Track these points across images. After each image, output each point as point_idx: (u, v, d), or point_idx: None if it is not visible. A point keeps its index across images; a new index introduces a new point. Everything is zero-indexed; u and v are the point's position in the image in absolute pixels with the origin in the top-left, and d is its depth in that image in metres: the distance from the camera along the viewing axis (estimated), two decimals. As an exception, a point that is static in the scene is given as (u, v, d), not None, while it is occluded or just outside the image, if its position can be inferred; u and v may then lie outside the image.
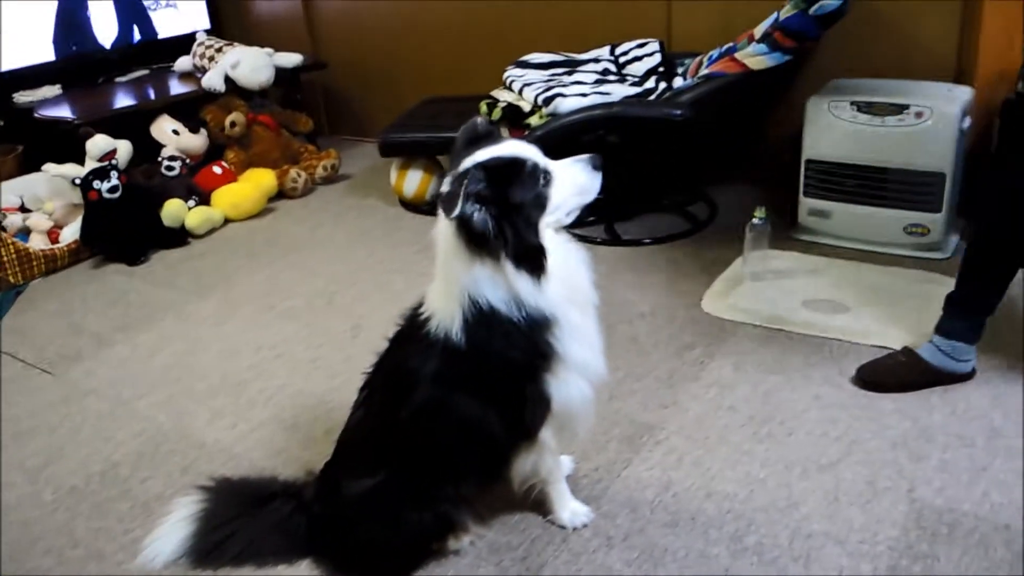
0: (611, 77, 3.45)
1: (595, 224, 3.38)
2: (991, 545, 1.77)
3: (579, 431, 1.85)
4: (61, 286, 3.39)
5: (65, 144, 3.68)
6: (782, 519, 1.89)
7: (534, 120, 3.24)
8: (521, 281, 1.60)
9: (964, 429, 2.12)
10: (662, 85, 3.31)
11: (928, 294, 2.71)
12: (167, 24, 4.61)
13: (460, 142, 1.68)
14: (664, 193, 3.68)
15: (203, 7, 4.71)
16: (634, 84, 3.36)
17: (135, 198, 3.49)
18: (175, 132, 3.90)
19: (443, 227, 1.63)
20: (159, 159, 3.77)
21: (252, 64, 4.05)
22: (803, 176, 3.11)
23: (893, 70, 3.19)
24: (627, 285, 2.97)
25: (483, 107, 3.31)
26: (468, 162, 1.59)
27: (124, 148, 3.62)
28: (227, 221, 3.82)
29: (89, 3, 4.30)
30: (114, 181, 3.40)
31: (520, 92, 3.34)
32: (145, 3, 4.51)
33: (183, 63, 4.37)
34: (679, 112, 2.92)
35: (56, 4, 4.18)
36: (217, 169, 3.92)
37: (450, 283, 1.65)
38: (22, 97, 4.06)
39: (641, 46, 3.57)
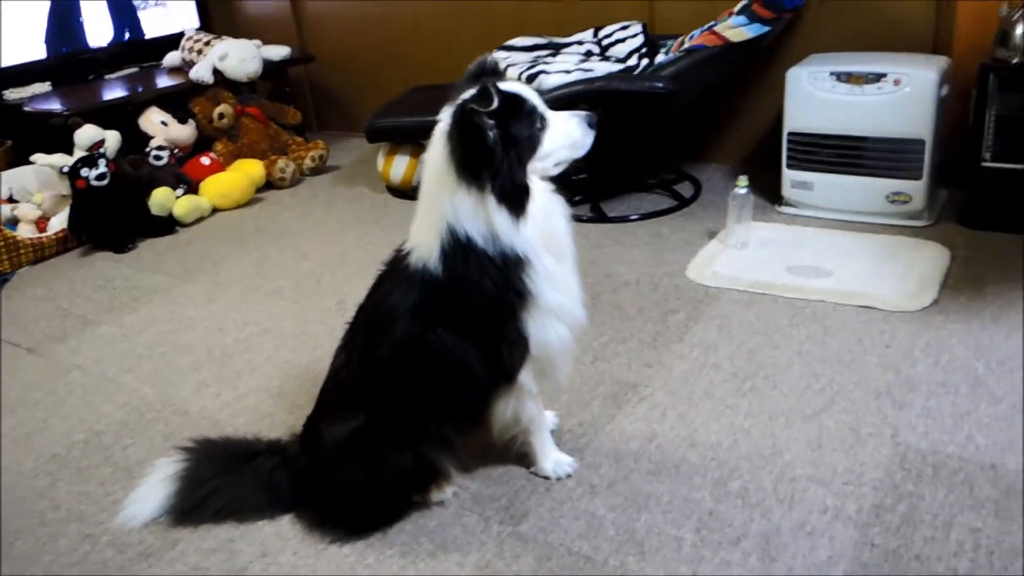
0: (594, 57, 3.48)
1: (582, 204, 3.39)
2: (976, 484, 1.76)
3: (560, 377, 1.84)
4: (48, 273, 3.39)
5: (54, 138, 3.69)
6: (766, 465, 1.89)
7: (518, 100, 3.25)
8: (500, 217, 1.61)
9: (947, 378, 2.12)
10: (644, 62, 3.33)
11: (912, 258, 2.74)
12: (156, 23, 4.64)
13: (468, 74, 1.70)
14: (649, 172, 3.69)
15: (192, 6, 4.74)
16: (617, 62, 3.38)
17: (123, 186, 3.50)
18: (163, 123, 3.92)
19: (435, 152, 1.64)
20: (147, 149, 3.78)
21: (240, 55, 4.08)
22: (785, 149, 3.13)
23: (871, 44, 3.22)
24: (612, 258, 2.98)
25: (468, 88, 3.33)
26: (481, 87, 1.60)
27: (113, 138, 3.64)
28: (215, 211, 3.83)
29: (81, 4, 4.33)
30: (102, 169, 3.41)
31: (505, 72, 3.36)
32: (135, 3, 4.54)
33: (171, 58, 4.40)
34: (661, 85, 2.94)
35: (49, 4, 4.21)
36: (205, 160, 3.94)
37: (432, 213, 1.67)
38: (12, 94, 4.08)
39: (624, 28, 3.59)
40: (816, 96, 2.99)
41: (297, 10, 4.74)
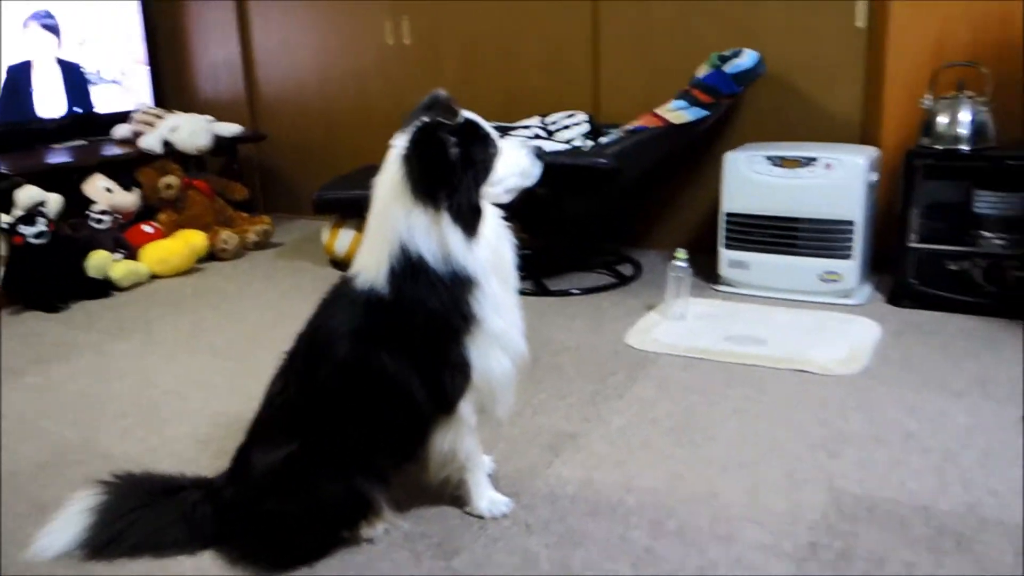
0: (541, 139, 3.59)
1: (524, 279, 3.41)
2: (910, 523, 1.77)
3: (500, 411, 1.83)
4: (-26, 329, 3.29)
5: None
6: (702, 507, 1.87)
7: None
8: (454, 236, 1.64)
9: (879, 432, 2.16)
10: (589, 142, 3.45)
11: (844, 330, 2.81)
12: (110, 100, 4.68)
13: (420, 106, 1.75)
14: (591, 253, 3.77)
15: (147, 83, 4.80)
16: (564, 144, 3.49)
17: (61, 247, 3.45)
18: (108, 190, 3.89)
19: (389, 174, 1.68)
20: (87, 212, 3.75)
21: (191, 128, 4.12)
22: (722, 229, 3.23)
23: (804, 133, 3.40)
24: (553, 327, 3.00)
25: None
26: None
27: (55, 200, 3.59)
28: (154, 277, 3.77)
29: (32, 76, 4.37)
30: (41, 227, 3.36)
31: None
32: (88, 77, 4.59)
33: (121, 129, 4.41)
34: (605, 161, 3.04)
35: (4, 74, 4.25)
36: (147, 228, 3.91)
37: (382, 234, 1.69)
38: (-47, 159, 4.04)
39: (570, 116, 3.73)
40: (752, 179, 3.12)
41: (251, 91, 4.83)
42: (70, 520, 1.82)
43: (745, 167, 3.13)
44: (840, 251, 3.02)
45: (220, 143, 4.34)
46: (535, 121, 3.77)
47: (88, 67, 4.59)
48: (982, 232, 2.91)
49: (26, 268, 3.38)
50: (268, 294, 3.57)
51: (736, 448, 2.12)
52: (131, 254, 3.74)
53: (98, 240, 3.63)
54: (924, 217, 2.97)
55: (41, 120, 4.43)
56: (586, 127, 3.65)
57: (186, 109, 4.56)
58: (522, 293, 3.19)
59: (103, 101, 4.65)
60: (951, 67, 2.99)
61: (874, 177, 3.07)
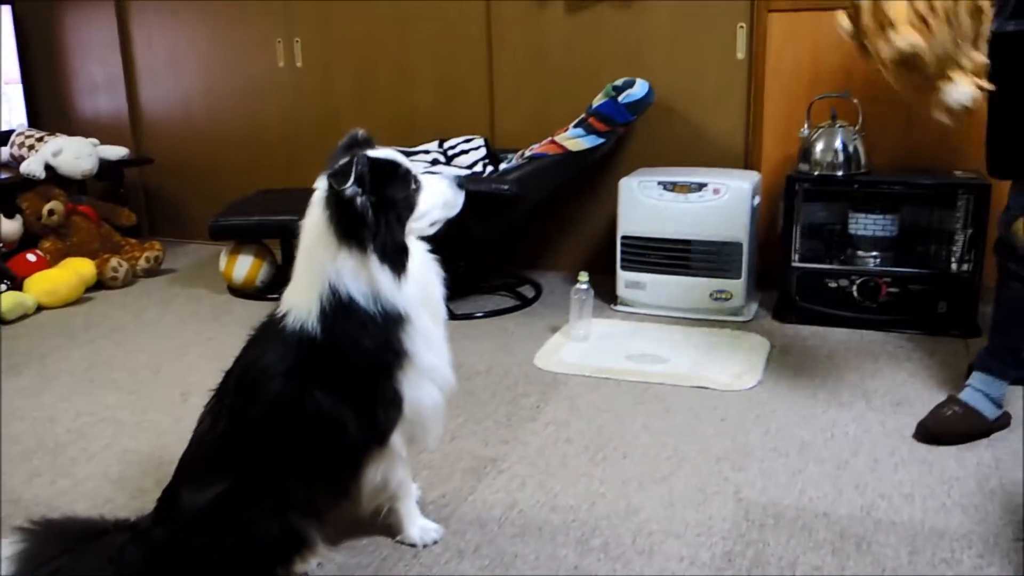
0: (440, 165, 3.65)
1: (428, 302, 3.47)
2: (813, 529, 1.92)
3: (430, 441, 1.88)
4: None
5: None
6: (624, 523, 1.98)
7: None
8: (383, 275, 1.68)
9: (777, 444, 2.32)
10: (489, 169, 3.54)
11: (736, 346, 2.99)
12: (-22, 121, 4.46)
13: (340, 146, 1.78)
14: (492, 276, 3.85)
15: (20, 101, 4.59)
16: (463, 169, 3.56)
17: (-62, 278, 3.28)
18: (-13, 217, 3.73)
19: (313, 217, 1.70)
20: (-33, 242, 3.58)
21: (76, 152, 3.97)
22: (619, 251, 3.38)
23: (692, 159, 3.58)
24: (462, 351, 3.06)
25: (318, 186, 3.40)
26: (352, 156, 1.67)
27: (-72, 229, 3.42)
28: (40, 308, 3.62)
29: None
30: (-85, 258, 3.19)
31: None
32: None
33: (-2, 153, 4.23)
34: (507, 187, 3.13)
35: None
36: (31, 257, 3.75)
37: (311, 274, 1.71)
38: None
39: (467, 141, 3.80)
40: (646, 203, 3.28)
41: (134, 112, 4.69)
42: (-13, 571, 1.77)
43: (639, 192, 3.28)
44: (729, 271, 3.21)
45: (104, 167, 4.20)
46: (434, 146, 3.83)
47: (-44, 86, 4.37)
48: (857, 251, 3.16)
49: (-100, 302, 3.19)
50: (165, 322, 3.48)
51: (649, 464, 2.24)
52: (15, 285, 3.59)
53: (-21, 271, 3.47)
54: (804, 237, 3.20)
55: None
56: (484, 151, 3.74)
57: (63, 130, 4.39)
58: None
59: (-27, 122, 4.44)
60: (825, 98, 3.23)
61: (757, 200, 3.27)
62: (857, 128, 3.15)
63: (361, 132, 1.83)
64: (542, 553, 1.87)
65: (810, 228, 3.21)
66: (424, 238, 1.86)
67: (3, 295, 3.47)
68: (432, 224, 1.81)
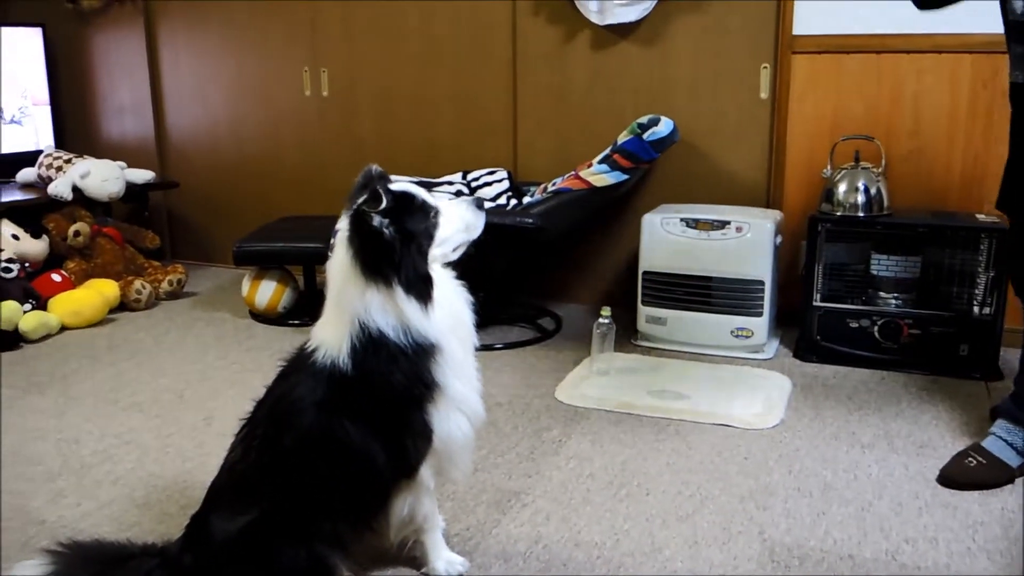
0: (464, 196, 3.69)
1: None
2: (839, 571, 1.92)
3: (458, 474, 1.89)
4: None
5: None
6: (648, 561, 1.98)
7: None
8: (410, 307, 1.70)
9: (801, 484, 2.32)
10: (513, 202, 3.57)
11: (757, 385, 2.99)
12: (10, 140, 4.51)
13: (357, 185, 1.80)
14: (514, 308, 3.87)
15: (48, 123, 4.65)
16: (487, 202, 3.60)
17: (-34, 297, 3.32)
18: (15, 237, 3.76)
19: (339, 257, 1.72)
20: (-6, 261, 3.62)
21: (103, 175, 4.03)
22: (641, 287, 3.39)
23: (715, 197, 3.61)
24: (484, 381, 3.04)
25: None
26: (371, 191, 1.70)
27: (-43, 248, 3.47)
28: (64, 328, 3.65)
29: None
30: (-56, 276, 3.23)
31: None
32: (-15, 118, 4.43)
33: (26, 174, 4.26)
34: (531, 220, 3.16)
35: None
36: (56, 277, 3.79)
37: (341, 312, 1.72)
38: None
39: (491, 173, 3.84)
40: (668, 239, 3.30)
41: (160, 136, 4.75)
42: (18, 592, 1.78)
43: (661, 228, 3.31)
44: (751, 309, 3.22)
45: (130, 190, 4.25)
46: (457, 177, 3.86)
47: (-13, 107, 4.43)
48: (880, 292, 3.17)
49: (-72, 320, 3.23)
50: (187, 346, 3.51)
51: (672, 501, 2.24)
52: (40, 304, 3.62)
53: (6, 290, 3.49)
54: (826, 277, 3.21)
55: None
56: (507, 183, 3.77)
57: (89, 152, 4.45)
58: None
59: (3, 141, 4.49)
60: (848, 140, 3.25)
61: (779, 239, 3.29)
62: (880, 170, 3.17)
63: (375, 168, 1.85)
64: (567, 589, 1.88)
65: (832, 268, 3.23)
66: (449, 265, 1.89)
67: (28, 314, 3.50)
68: (455, 249, 1.83)
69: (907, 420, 2.71)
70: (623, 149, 3.24)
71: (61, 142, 4.71)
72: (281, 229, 3.88)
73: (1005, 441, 2.32)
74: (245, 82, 4.51)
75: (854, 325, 3.14)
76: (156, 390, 3.04)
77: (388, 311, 1.69)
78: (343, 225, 1.73)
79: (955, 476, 2.29)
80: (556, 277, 4.04)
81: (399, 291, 1.69)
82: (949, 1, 2.33)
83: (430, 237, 1.76)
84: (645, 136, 3.22)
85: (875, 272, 3.18)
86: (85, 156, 4.24)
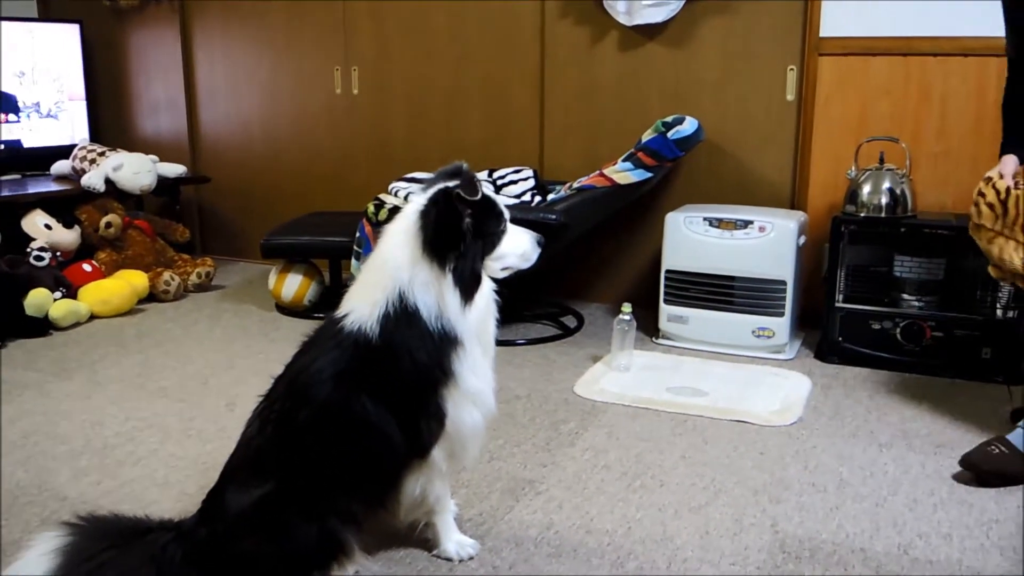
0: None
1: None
2: (849, 564, 1.91)
3: (467, 460, 1.92)
4: (-95, 366, 3.19)
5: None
6: (658, 549, 1.98)
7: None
8: (452, 298, 1.74)
9: (816, 479, 2.31)
10: (538, 199, 3.59)
11: (777, 383, 2.99)
12: (46, 134, 4.62)
13: (442, 172, 1.85)
14: (535, 304, 3.89)
15: (84, 118, 4.76)
16: (512, 198, 3.62)
17: (-1, 283, 3.40)
18: (47, 227, 3.85)
19: (402, 225, 1.77)
20: (27, 249, 3.69)
21: (135, 168, 4.11)
22: (663, 285, 3.40)
23: (738, 197, 3.61)
24: (503, 375, 3.07)
25: (370, 207, 3.46)
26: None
27: (-8, 235, 3.55)
28: (93, 317, 3.73)
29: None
30: (-21, 262, 3.31)
31: (405, 198, 3.54)
32: (24, 111, 4.53)
33: (60, 166, 4.36)
34: (554, 217, 3.18)
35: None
36: (87, 267, 3.87)
37: (382, 277, 1.76)
38: None
39: (517, 172, 3.86)
40: (691, 239, 3.30)
41: (193, 132, 4.84)
42: (36, 562, 1.80)
43: (685, 227, 3.31)
44: (772, 309, 3.21)
45: (162, 183, 4.33)
46: (483, 175, 3.89)
47: (25, 100, 4.53)
48: (903, 294, 3.15)
49: (-37, 304, 3.31)
50: (214, 336, 3.56)
51: (686, 493, 2.24)
52: (70, 293, 3.70)
53: (38, 278, 3.57)
54: (849, 279, 3.19)
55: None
56: (532, 182, 3.79)
57: (123, 146, 4.54)
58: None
59: (39, 135, 4.59)
60: (873, 141, 3.24)
61: (803, 240, 3.28)
62: (905, 171, 3.15)
63: (466, 165, 1.88)
64: (577, 574, 1.88)
65: (855, 269, 3.21)
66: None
67: (58, 302, 3.58)
68: (504, 269, 1.89)
69: (926, 421, 2.69)
70: (647, 147, 3.25)
71: (96, 136, 4.81)
72: (308, 223, 3.93)
73: (1030, 438, 2.30)
74: (277, 80, 4.58)
75: (876, 327, 3.12)
76: (181, 377, 3.10)
77: (430, 291, 1.73)
78: (419, 199, 1.77)
79: (978, 462, 2.27)
80: (580, 276, 4.05)
81: (448, 278, 1.73)
82: None
83: (494, 246, 1.82)
84: (669, 134, 3.22)
85: (898, 274, 3.16)
86: (118, 149, 4.32)
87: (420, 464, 1.84)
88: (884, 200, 3.13)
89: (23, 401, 2.86)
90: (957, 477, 2.31)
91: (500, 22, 3.99)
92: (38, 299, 3.51)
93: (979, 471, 2.26)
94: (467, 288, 1.75)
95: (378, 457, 1.79)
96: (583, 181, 3.41)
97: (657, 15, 3.59)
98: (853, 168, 3.22)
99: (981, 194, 2.32)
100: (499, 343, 3.39)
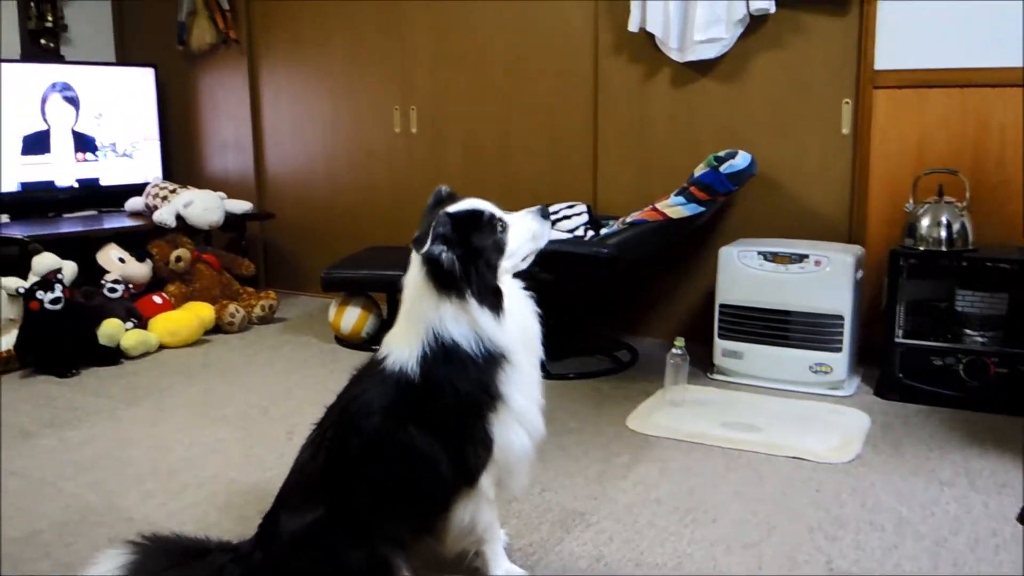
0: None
1: (525, 361, 3.54)
2: (904, 603, 1.88)
3: (516, 487, 1.93)
4: (-15, 392, 3.35)
5: (10, 266, 3.74)
6: (709, 584, 1.97)
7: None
8: (484, 317, 1.77)
9: (873, 518, 2.27)
10: (591, 233, 3.62)
11: (835, 420, 2.95)
12: (121, 173, 4.82)
13: (428, 205, 1.91)
14: (590, 337, 3.90)
15: (157, 157, 4.96)
16: (566, 233, 3.66)
17: (75, 313, 3.55)
18: (121, 260, 4.01)
19: (413, 272, 1.82)
20: (102, 282, 3.85)
21: (205, 204, 4.27)
22: (717, 320, 3.39)
23: (793, 231, 3.58)
24: (555, 408, 3.10)
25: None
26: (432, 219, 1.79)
27: (69, 268, 3.70)
28: (162, 347, 3.86)
29: (50, 145, 4.53)
30: (57, 293, 3.46)
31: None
32: (101, 150, 4.74)
33: (134, 202, 4.56)
34: (607, 251, 3.20)
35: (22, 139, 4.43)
36: (157, 299, 4.01)
37: (415, 322, 1.81)
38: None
39: (570, 207, 3.89)
40: (746, 272, 3.29)
41: (259, 170, 5.00)
42: (101, 579, 1.88)
43: (739, 261, 3.30)
44: (830, 344, 3.18)
45: (229, 219, 4.48)
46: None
47: (102, 140, 4.74)
48: (965, 329, 3.09)
49: (40, 333, 3.47)
50: (275, 367, 3.66)
51: (739, 529, 2.22)
52: (141, 323, 3.84)
53: (111, 309, 3.72)
54: (909, 314, 3.14)
55: (54, 189, 4.57)
56: (586, 217, 3.83)
57: (193, 184, 4.71)
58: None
59: (114, 174, 4.80)
60: (931, 174, 3.20)
61: (860, 274, 3.25)
62: (964, 204, 3.11)
63: (445, 188, 1.95)
64: (625, 606, 1.88)
65: (915, 304, 3.16)
66: (521, 280, 1.95)
67: (129, 332, 3.72)
68: (524, 259, 1.91)
69: (990, 459, 2.62)
70: (699, 181, 3.27)
71: (168, 174, 5.01)
72: (367, 258, 4.03)
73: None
74: (339, 120, 4.72)
75: (938, 363, 3.06)
76: (243, 405, 3.18)
77: (462, 321, 1.77)
78: (418, 232, 1.82)
79: None
80: (633, 311, 4.06)
81: (472, 302, 1.77)
82: None
83: (500, 250, 1.84)
84: (722, 168, 3.24)
85: (960, 308, 3.10)
86: (189, 187, 4.49)
87: (469, 492, 1.86)
88: (943, 233, 3.08)
89: (94, 426, 2.98)
90: (1021, 517, 2.25)
91: (554, 60, 4.06)
92: (111, 329, 3.65)
93: None
94: (493, 303, 1.78)
95: (425, 484, 1.83)
96: (636, 216, 3.43)
97: (710, 51, 3.62)
98: (911, 201, 3.18)
99: None
100: (552, 376, 3.45)
